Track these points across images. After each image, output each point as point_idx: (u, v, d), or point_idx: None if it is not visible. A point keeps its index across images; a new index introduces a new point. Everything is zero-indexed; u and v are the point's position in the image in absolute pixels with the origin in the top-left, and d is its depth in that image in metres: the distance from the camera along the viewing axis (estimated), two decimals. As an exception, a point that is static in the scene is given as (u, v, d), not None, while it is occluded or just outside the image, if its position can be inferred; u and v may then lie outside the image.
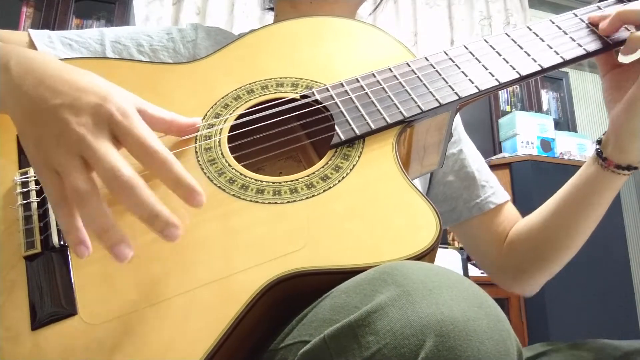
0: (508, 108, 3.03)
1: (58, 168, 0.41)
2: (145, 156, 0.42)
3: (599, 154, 0.64)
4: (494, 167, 2.43)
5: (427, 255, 0.43)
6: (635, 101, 0.58)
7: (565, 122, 3.15)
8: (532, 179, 2.34)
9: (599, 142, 0.65)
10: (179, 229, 0.40)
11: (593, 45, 0.60)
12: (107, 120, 0.42)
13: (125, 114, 0.42)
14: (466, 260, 2.25)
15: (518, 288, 0.79)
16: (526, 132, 2.65)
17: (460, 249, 2.35)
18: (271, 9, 0.84)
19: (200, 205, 0.41)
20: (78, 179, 0.40)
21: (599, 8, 0.63)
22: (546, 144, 2.68)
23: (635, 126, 0.60)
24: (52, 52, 0.66)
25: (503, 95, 3.06)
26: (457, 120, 0.85)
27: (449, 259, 2.20)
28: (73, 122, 0.41)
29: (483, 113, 2.92)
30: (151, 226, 0.40)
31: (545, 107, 3.14)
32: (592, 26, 0.62)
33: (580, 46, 0.59)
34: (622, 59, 0.62)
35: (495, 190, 0.81)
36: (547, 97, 3.21)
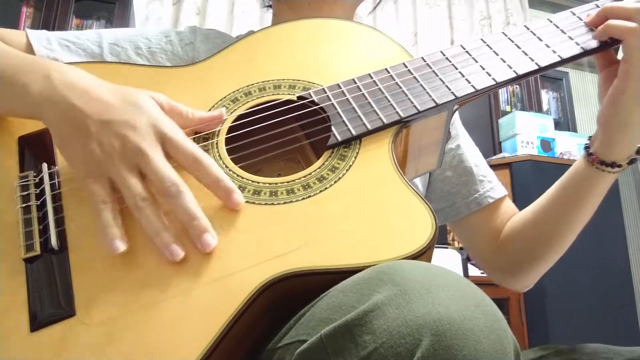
0: (508, 108, 3.03)
1: (115, 177, 0.45)
2: (193, 165, 0.47)
3: (586, 148, 0.65)
4: (494, 167, 2.40)
5: (423, 254, 0.43)
6: (618, 94, 0.59)
7: (565, 122, 3.15)
8: (532, 179, 2.34)
9: (589, 138, 0.66)
10: (213, 238, 0.45)
11: (590, 43, 0.60)
12: (161, 138, 0.47)
13: (175, 132, 0.48)
14: (466, 260, 2.25)
15: (512, 283, 0.79)
16: (526, 132, 2.65)
17: (460, 249, 2.35)
18: (270, 6, 0.84)
19: (237, 203, 0.47)
20: (140, 190, 0.45)
21: (597, 7, 0.63)
22: (546, 144, 2.68)
23: (619, 119, 0.60)
24: (50, 53, 0.66)
25: (503, 95, 3.06)
26: (455, 115, 0.85)
27: (448, 259, 2.20)
28: (134, 138, 0.46)
29: (483, 113, 2.92)
30: (190, 230, 0.45)
31: (545, 107, 3.14)
32: (585, 22, 0.62)
33: (578, 45, 0.59)
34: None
35: (493, 185, 0.81)
36: (547, 97, 3.21)
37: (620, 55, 0.61)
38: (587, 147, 0.65)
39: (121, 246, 0.45)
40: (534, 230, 0.74)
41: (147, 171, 0.45)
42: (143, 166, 0.45)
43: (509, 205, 0.81)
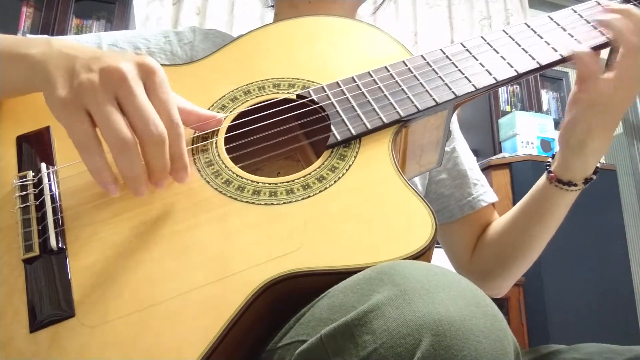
0: (508, 108, 3.03)
1: (94, 109, 0.42)
2: (166, 116, 0.45)
3: (546, 167, 0.67)
4: (494, 167, 2.43)
5: (423, 254, 0.43)
6: (574, 122, 0.60)
7: (565, 122, 3.14)
8: (532, 179, 2.29)
9: (553, 156, 0.67)
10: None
11: (592, 42, 0.59)
12: (148, 72, 0.45)
13: (164, 75, 0.46)
14: (466, 260, 2.25)
15: (485, 289, 0.80)
16: (526, 132, 2.65)
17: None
18: (273, 6, 0.84)
19: (183, 180, 0.47)
20: (121, 127, 0.42)
21: (598, 4, 0.62)
22: (546, 144, 2.67)
23: (573, 144, 0.61)
24: None
25: (503, 95, 3.06)
26: (453, 117, 0.86)
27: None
28: (119, 62, 0.43)
29: (483, 113, 2.91)
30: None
31: (545, 107, 3.13)
32: (586, 19, 0.61)
33: (580, 43, 0.59)
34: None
35: (486, 189, 0.82)
36: (547, 97, 3.21)
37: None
38: (547, 165, 0.67)
39: (115, 191, 0.44)
40: (501, 241, 0.76)
41: (128, 107, 0.43)
42: (123, 98, 0.43)
43: (495, 213, 0.83)
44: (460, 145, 0.84)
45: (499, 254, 0.77)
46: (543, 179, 0.68)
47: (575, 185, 0.65)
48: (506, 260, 0.76)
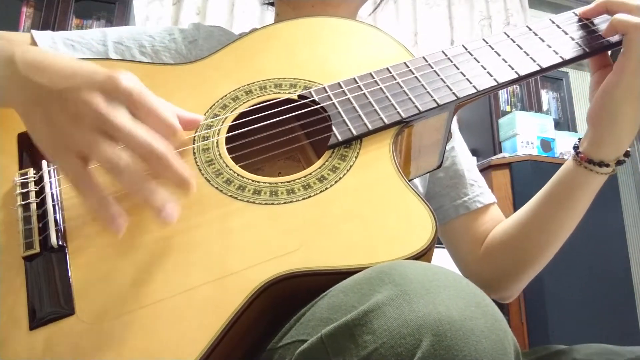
0: (508, 108, 3.03)
1: (81, 147, 0.42)
2: (160, 126, 0.43)
3: (575, 148, 0.65)
4: (494, 167, 2.43)
5: (423, 255, 0.43)
6: (610, 87, 0.58)
7: (565, 122, 3.15)
8: (532, 179, 2.34)
9: (579, 139, 0.65)
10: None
11: (593, 45, 0.60)
12: (119, 94, 0.43)
13: (135, 86, 0.44)
14: (466, 260, 2.25)
15: (495, 293, 0.77)
16: (526, 132, 2.65)
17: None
18: (271, 3, 0.84)
19: (190, 189, 0.44)
20: (109, 150, 0.41)
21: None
22: (546, 144, 2.67)
23: (608, 114, 0.59)
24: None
25: (503, 95, 3.06)
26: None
27: (448, 259, 2.20)
28: (86, 100, 0.42)
29: (483, 113, 2.91)
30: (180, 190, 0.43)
31: (545, 107, 3.13)
32: (588, 22, 0.61)
33: (580, 46, 0.59)
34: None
35: (483, 190, 0.80)
36: (547, 97, 3.20)
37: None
38: (576, 147, 0.65)
39: (122, 224, 0.43)
40: (519, 235, 0.72)
41: (115, 135, 0.42)
42: (108, 132, 0.42)
43: (497, 212, 0.80)
44: (459, 146, 0.83)
45: (514, 252, 0.73)
46: (570, 162, 0.65)
47: (607, 165, 0.62)
48: (522, 258, 0.72)
